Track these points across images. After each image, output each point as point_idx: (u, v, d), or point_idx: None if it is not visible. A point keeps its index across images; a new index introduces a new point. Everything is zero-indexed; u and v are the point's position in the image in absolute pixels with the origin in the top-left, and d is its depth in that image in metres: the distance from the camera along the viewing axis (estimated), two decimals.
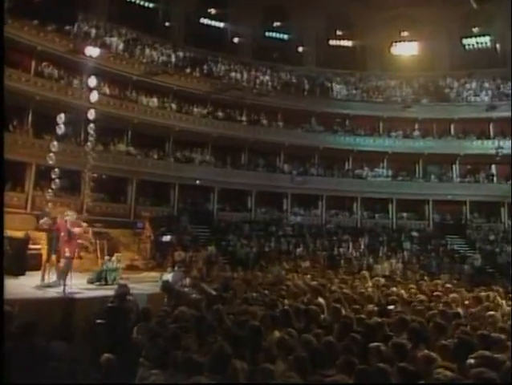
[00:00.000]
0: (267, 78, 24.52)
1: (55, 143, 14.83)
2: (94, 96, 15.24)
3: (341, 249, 20.21)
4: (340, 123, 26.11)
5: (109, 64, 19.49)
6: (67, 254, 8.61)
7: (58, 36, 18.55)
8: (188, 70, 22.41)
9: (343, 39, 28.42)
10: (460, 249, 22.81)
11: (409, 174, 26.16)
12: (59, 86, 18.13)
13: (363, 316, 6.16)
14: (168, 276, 11.61)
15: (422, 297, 8.44)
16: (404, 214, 25.73)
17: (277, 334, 5.15)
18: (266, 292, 8.33)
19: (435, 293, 8.94)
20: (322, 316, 6.40)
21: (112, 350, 5.73)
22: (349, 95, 26.21)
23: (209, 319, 5.35)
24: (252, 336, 4.57)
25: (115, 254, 10.73)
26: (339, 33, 28.28)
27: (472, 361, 3.82)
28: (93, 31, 19.88)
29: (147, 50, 21.40)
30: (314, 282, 10.70)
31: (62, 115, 14.75)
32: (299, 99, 24.75)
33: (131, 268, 14.03)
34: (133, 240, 16.24)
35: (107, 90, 19.92)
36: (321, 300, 7.82)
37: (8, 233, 10.36)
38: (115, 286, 9.34)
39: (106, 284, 9.36)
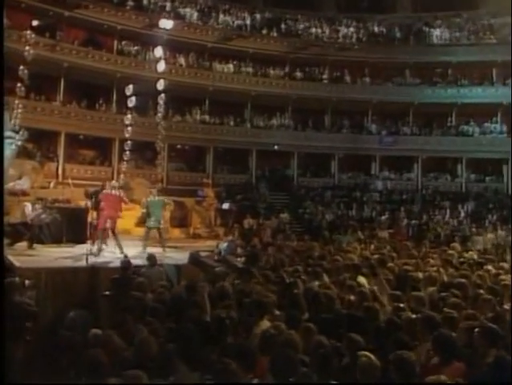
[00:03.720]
0: (352, 30, 22.28)
1: (129, 116, 15.53)
2: (161, 66, 15.42)
3: (435, 218, 17.92)
4: (441, 73, 22.75)
5: (184, 34, 19.57)
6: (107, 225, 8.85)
7: (135, 13, 19.10)
8: (264, 32, 21.46)
9: None
10: None
11: None
12: (137, 61, 18.81)
13: (401, 305, 5.04)
14: (224, 245, 11.48)
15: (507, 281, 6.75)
16: None
17: (265, 325, 4.43)
18: (299, 268, 7.53)
19: None
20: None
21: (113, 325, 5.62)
22: (452, 40, 22.55)
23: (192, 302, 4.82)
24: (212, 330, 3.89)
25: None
26: None
27: None
28: (168, 4, 20.03)
29: (221, 16, 20.95)
30: (376, 256, 9.54)
31: (131, 87, 15.29)
32: (390, 49, 22.11)
33: (194, 236, 14.25)
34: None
35: (182, 60, 20.12)
36: (362, 279, 6.79)
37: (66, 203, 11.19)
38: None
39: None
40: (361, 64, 22.22)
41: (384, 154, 22.06)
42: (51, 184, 15.24)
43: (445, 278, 7.34)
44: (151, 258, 7.56)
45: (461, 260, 9.32)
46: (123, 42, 19.31)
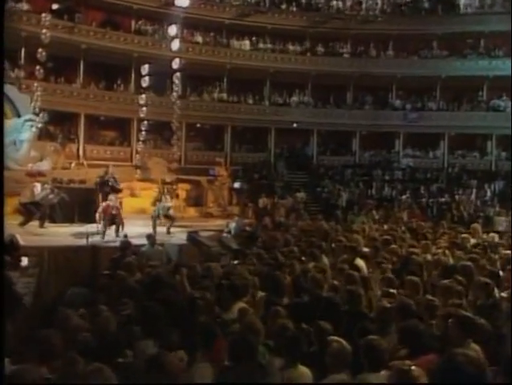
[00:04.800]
0: (376, 1, 21.29)
1: (143, 96, 15.67)
2: (175, 45, 15.38)
3: (458, 197, 17.26)
4: (472, 45, 21.49)
5: (201, 11, 19.32)
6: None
7: None
8: (283, 6, 20.87)
9: None
10: None
11: None
12: (154, 40, 18.76)
13: (392, 291, 4.88)
14: (233, 224, 11.57)
15: None
16: None
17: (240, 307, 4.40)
18: (295, 249, 7.49)
19: None
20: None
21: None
22: (485, 7, 21.14)
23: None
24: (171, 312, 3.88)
25: None
26: None
27: None
28: None
29: None
30: (385, 236, 9.36)
31: (146, 66, 15.38)
32: (416, 20, 21.03)
33: (206, 215, 14.38)
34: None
35: (199, 38, 19.95)
36: (360, 262, 6.67)
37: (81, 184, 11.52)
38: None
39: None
40: (385, 37, 21.32)
41: (409, 131, 21.31)
42: (72, 165, 15.73)
43: (451, 261, 7.13)
44: (150, 238, 7.72)
45: (477, 242, 9.00)
46: (140, 22, 19.28)
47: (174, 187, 13.88)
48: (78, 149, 17.34)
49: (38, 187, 10.04)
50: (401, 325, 3.60)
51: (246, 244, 7.80)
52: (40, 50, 13.67)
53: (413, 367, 2.56)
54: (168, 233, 9.93)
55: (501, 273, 6.33)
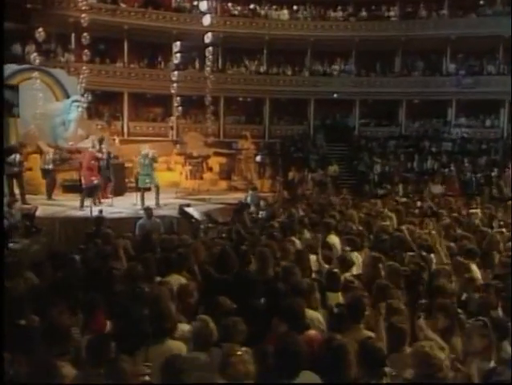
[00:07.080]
0: None
1: (175, 72, 16.22)
2: (207, 20, 15.54)
3: (506, 170, 15.77)
4: None
5: None
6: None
7: None
8: None
9: None
10: None
11: None
12: (192, 16, 19.06)
13: (335, 270, 4.91)
14: (248, 197, 11.91)
15: None
16: None
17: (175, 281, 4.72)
18: (275, 224, 7.69)
19: None
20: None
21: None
22: None
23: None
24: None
25: None
26: None
27: None
28: None
29: None
30: (388, 212, 9.20)
31: (178, 43, 15.85)
32: None
33: (230, 188, 14.79)
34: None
35: (237, 10, 19.89)
36: (334, 239, 6.75)
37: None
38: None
39: None
40: None
41: (463, 98, 19.64)
42: (116, 141, 16.98)
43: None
44: (147, 211, 8.34)
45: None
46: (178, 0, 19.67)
47: (200, 160, 14.44)
48: (122, 126, 18.60)
49: (50, 154, 11.19)
50: (284, 303, 3.73)
51: (233, 218, 8.12)
52: (85, 34, 14.69)
53: (239, 352, 2.62)
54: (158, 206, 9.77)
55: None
